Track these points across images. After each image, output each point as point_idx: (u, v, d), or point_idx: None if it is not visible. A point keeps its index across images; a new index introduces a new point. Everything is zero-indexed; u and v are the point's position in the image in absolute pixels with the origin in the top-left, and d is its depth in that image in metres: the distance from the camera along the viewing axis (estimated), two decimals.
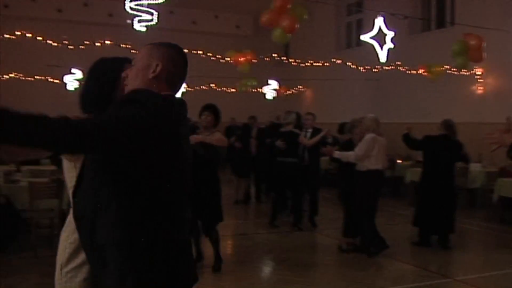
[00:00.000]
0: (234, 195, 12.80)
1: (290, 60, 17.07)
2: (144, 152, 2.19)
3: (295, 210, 10.19)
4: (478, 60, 11.72)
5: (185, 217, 2.47)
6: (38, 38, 13.59)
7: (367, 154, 7.80)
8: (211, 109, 6.87)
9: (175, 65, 2.45)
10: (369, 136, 7.86)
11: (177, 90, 2.50)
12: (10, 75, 17.58)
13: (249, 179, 13.12)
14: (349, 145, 8.32)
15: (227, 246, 8.96)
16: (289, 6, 8.68)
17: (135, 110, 2.14)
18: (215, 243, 7.08)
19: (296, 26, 8.79)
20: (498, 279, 7.20)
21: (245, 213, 12.55)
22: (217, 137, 6.64)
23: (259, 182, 13.39)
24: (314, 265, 7.99)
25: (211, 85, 19.81)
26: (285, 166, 9.94)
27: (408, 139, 9.15)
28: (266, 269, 7.82)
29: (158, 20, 10.94)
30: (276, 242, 9.18)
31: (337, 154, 8.24)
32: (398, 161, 14.25)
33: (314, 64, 16.20)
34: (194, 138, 6.18)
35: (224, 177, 15.20)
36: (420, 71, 13.93)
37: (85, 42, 13.88)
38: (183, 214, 2.44)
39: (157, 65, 2.39)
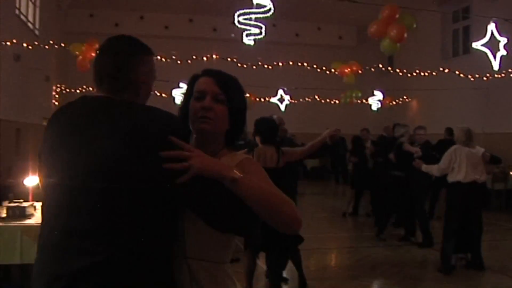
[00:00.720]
0: (345, 207, 12.79)
1: (396, 70, 16.76)
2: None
3: (401, 224, 10.11)
4: None
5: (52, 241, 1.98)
6: None
7: (450, 167, 7.63)
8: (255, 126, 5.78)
9: (95, 63, 2.18)
10: (452, 148, 7.73)
11: (103, 86, 2.13)
12: None
13: (360, 192, 12.96)
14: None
15: (332, 259, 8.90)
16: (397, 15, 8.58)
17: None
18: (297, 264, 6.75)
19: (404, 35, 8.67)
20: None
21: (353, 226, 12.43)
22: None
23: (375, 195, 13.16)
24: (424, 280, 7.77)
25: (315, 96, 19.81)
26: (391, 179, 9.98)
27: None
28: (374, 284, 7.65)
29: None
30: (384, 256, 8.99)
31: (424, 168, 8.26)
32: (511, 173, 13.65)
33: (421, 73, 15.86)
34: None
35: (330, 190, 15.26)
36: None
37: (193, 57, 14.34)
38: (49, 234, 2.01)
39: None
